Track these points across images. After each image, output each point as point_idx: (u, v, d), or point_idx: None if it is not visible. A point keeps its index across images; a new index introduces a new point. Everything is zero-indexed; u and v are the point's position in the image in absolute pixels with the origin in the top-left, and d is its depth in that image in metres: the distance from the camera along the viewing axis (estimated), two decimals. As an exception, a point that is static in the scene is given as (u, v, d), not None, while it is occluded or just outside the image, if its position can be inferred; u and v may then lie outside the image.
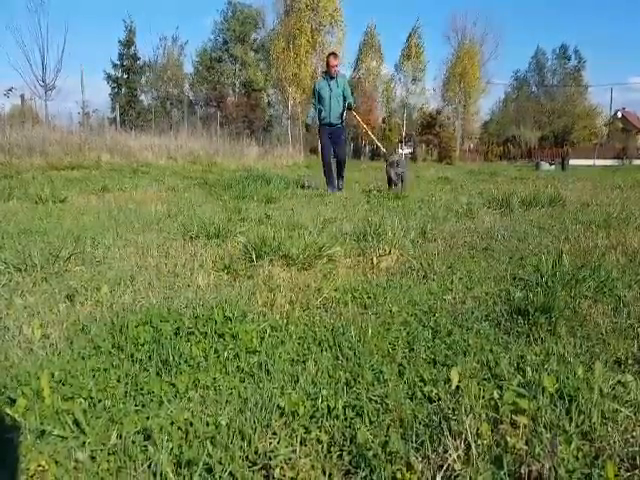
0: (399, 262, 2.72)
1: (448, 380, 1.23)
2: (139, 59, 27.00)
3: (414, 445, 0.99)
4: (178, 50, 29.77)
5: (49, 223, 3.95)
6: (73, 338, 1.66)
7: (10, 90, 16.47)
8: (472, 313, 1.84)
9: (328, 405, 1.14)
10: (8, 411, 1.20)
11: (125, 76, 26.40)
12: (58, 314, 1.88)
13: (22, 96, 16.83)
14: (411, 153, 29.86)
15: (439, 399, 1.18)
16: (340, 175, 7.69)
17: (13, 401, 1.25)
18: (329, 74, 7.46)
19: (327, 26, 25.12)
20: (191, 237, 3.33)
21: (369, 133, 9.25)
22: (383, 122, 34.46)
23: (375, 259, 2.72)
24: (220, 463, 0.95)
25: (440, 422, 1.06)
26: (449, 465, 0.89)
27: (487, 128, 45.77)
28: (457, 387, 1.17)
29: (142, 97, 27.43)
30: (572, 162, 27.73)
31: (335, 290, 2.16)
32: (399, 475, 0.89)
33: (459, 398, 1.16)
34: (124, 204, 5.32)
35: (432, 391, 1.21)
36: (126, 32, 26.62)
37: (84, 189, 6.91)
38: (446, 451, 0.94)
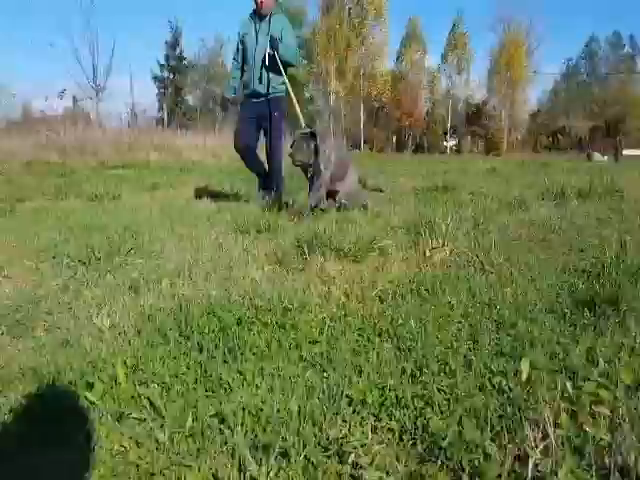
0: (453, 255, 2.68)
1: (517, 371, 1.20)
2: (184, 59, 27.64)
3: (490, 435, 0.98)
4: (220, 49, 30.31)
5: (106, 219, 4.10)
6: (141, 327, 1.72)
7: (63, 92, 17.20)
8: (535, 305, 1.79)
9: (396, 395, 1.14)
10: (88, 395, 1.26)
11: (171, 76, 27.09)
12: (124, 305, 1.96)
13: (74, 98, 17.56)
14: (456, 146, 29.30)
15: (510, 390, 1.16)
16: (270, 187, 4.93)
17: (91, 385, 1.31)
18: (257, 11, 4.76)
19: (371, 19, 24.92)
20: (242, 231, 3.38)
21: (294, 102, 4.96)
22: (427, 114, 33.96)
23: (428, 252, 2.69)
24: (294, 447, 0.97)
25: (514, 413, 1.05)
26: (528, 455, 0.88)
27: (535, 119, 44.33)
28: (528, 378, 1.15)
29: (188, 97, 28.08)
30: (626, 152, 26.52)
31: (389, 282, 2.15)
32: (477, 463, 0.88)
33: (531, 389, 1.14)
34: (174, 201, 5.46)
35: (502, 382, 1.19)
36: (172, 33, 27.32)
37: (135, 187, 7.14)
38: (523, 441, 0.93)
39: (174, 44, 27.05)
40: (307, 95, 30.04)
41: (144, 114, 19.25)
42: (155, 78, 26.76)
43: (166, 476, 0.92)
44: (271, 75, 4.87)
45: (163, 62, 26.72)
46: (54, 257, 2.81)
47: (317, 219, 3.70)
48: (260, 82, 4.91)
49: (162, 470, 0.94)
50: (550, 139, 39.94)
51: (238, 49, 5.04)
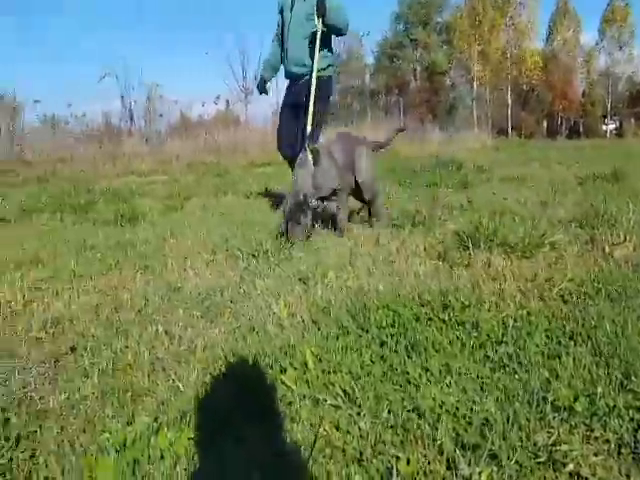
0: (638, 252, 2.41)
1: None
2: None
3: None
4: (358, 42, 30.57)
5: (261, 217, 4.37)
6: (316, 318, 1.81)
7: (218, 97, 18.77)
8: None
9: (606, 403, 1.05)
10: (283, 378, 1.36)
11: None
12: (299, 296, 2.07)
13: (227, 101, 19.06)
14: (616, 129, 26.17)
15: None
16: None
17: (284, 370, 1.41)
18: None
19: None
20: (395, 225, 3.39)
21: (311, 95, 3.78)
22: (583, 96, 30.83)
23: (607, 248, 2.45)
24: (501, 450, 0.94)
25: None
26: None
27: None
28: None
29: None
30: None
31: (570, 281, 1.99)
32: None
33: None
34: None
35: None
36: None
37: (283, 184, 7.52)
38: None
39: (315, 42, 28.02)
40: (448, 82, 29.09)
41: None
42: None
43: (374, 464, 0.96)
44: (305, 54, 3.80)
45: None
46: (227, 250, 3.08)
47: (463, 213, 3.57)
48: (296, 61, 3.90)
49: (369, 457, 0.98)
50: None
51: (278, 23, 4.10)
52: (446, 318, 1.60)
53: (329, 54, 3.98)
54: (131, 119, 16.28)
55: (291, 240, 3.04)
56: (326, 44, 3.87)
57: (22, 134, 13.70)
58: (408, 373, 1.30)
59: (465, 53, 23.49)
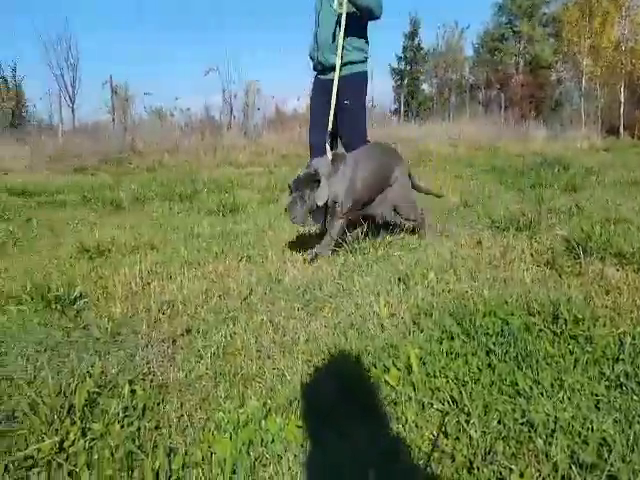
0: None
1: None
2: (422, 49, 27.89)
3: None
4: (458, 35, 29.62)
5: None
6: (418, 320, 1.81)
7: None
8: None
9: None
10: (387, 377, 1.39)
11: (408, 67, 27.66)
12: (399, 295, 2.08)
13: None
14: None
15: None
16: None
17: (387, 369, 1.43)
18: None
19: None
20: (498, 227, 3.28)
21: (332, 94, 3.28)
22: None
23: None
24: (620, 472, 0.90)
25: None
26: None
27: None
28: None
29: (423, 86, 28.29)
30: None
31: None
32: None
33: None
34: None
35: None
36: (411, 25, 27.81)
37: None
38: None
39: (412, 35, 27.52)
40: (554, 77, 27.29)
41: (380, 107, 20.15)
42: (393, 70, 27.65)
43: (485, 473, 0.96)
44: (334, 46, 3.29)
45: (400, 54, 27.49)
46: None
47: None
48: (324, 51, 3.43)
49: (480, 466, 0.98)
50: None
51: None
52: (557, 330, 1.53)
53: (365, 45, 3.49)
54: (231, 112, 16.99)
55: (290, 219, 2.85)
56: (360, 32, 3.41)
57: (133, 125, 14.81)
58: (517, 384, 1.27)
59: (574, 46, 21.87)
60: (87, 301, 2.22)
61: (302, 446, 1.19)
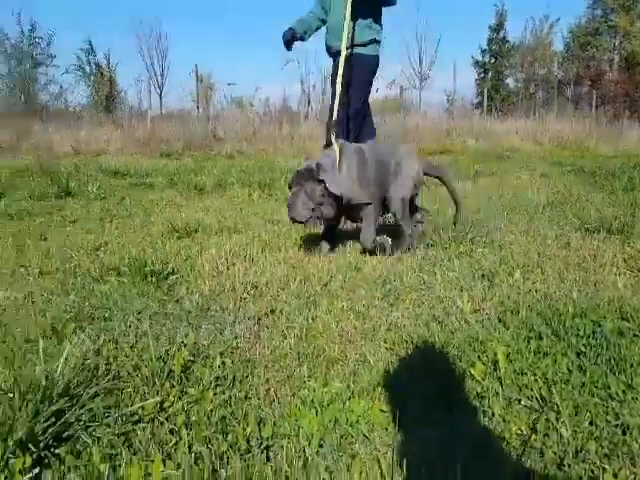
0: None
1: None
2: (508, 42, 26.75)
3: None
4: (548, 28, 28.10)
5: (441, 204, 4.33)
6: (504, 317, 1.78)
7: (392, 82, 18.81)
8: None
9: None
10: (472, 371, 1.38)
11: (492, 60, 26.63)
12: (483, 292, 2.05)
13: (401, 87, 19.02)
14: None
15: None
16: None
17: (473, 363, 1.42)
18: None
19: None
20: (588, 230, 3.12)
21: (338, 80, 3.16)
22: None
23: None
24: None
25: None
26: None
27: None
28: None
29: (508, 80, 27.14)
30: None
31: None
32: None
33: None
34: (499, 190, 5.39)
35: None
36: (496, 17, 26.73)
37: (457, 174, 7.33)
38: None
39: (498, 27, 26.45)
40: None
41: (462, 100, 19.58)
42: (476, 63, 26.74)
43: (576, 470, 0.94)
44: (353, 21, 3.27)
45: (485, 47, 26.54)
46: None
47: None
48: (334, 32, 3.43)
49: (571, 463, 0.96)
50: None
51: None
52: (657, 339, 1.46)
53: (375, 26, 3.48)
54: (308, 103, 17.18)
55: (289, 216, 2.67)
56: (373, 14, 3.41)
57: (215, 113, 15.34)
58: (610, 388, 1.22)
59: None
60: (178, 277, 2.36)
61: (386, 429, 1.21)
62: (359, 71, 3.52)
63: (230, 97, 17.04)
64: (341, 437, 1.20)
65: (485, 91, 18.53)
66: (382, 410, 1.28)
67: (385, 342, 1.69)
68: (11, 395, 1.19)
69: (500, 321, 1.76)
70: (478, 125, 14.09)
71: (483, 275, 2.27)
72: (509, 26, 33.99)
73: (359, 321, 1.87)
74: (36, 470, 1.06)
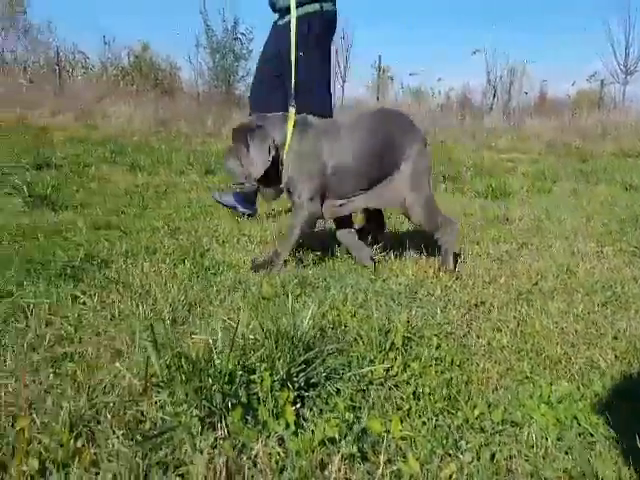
0: None
1: None
2: None
3: None
4: None
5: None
6: None
7: (593, 76, 17.00)
8: None
9: None
10: None
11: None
12: None
13: (602, 81, 17.06)
14: None
15: None
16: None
17: None
18: None
19: None
20: None
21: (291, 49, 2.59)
22: None
23: None
24: None
25: None
26: None
27: None
28: None
29: None
30: None
31: None
32: None
33: None
34: None
35: None
36: None
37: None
38: None
39: None
40: None
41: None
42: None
43: None
44: None
45: None
46: (615, 243, 2.90)
47: None
48: None
49: None
50: None
51: None
52: None
53: None
54: (494, 96, 16.37)
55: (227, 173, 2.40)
56: None
57: (394, 103, 15.43)
58: None
59: None
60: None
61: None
62: (303, 35, 2.83)
63: (408, 87, 17.04)
64: (579, 435, 1.17)
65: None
66: (618, 416, 1.22)
67: (613, 350, 1.58)
68: (269, 341, 1.37)
69: None
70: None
71: None
72: None
73: (580, 325, 1.77)
74: (297, 405, 1.22)
